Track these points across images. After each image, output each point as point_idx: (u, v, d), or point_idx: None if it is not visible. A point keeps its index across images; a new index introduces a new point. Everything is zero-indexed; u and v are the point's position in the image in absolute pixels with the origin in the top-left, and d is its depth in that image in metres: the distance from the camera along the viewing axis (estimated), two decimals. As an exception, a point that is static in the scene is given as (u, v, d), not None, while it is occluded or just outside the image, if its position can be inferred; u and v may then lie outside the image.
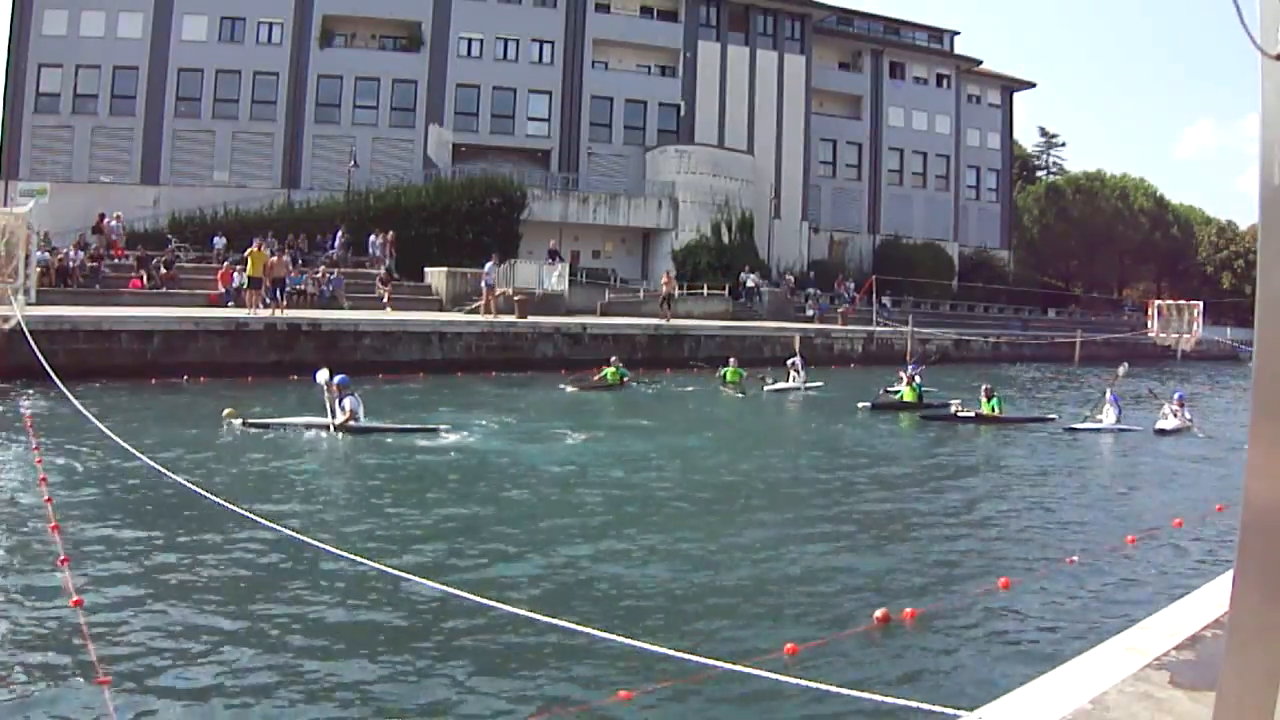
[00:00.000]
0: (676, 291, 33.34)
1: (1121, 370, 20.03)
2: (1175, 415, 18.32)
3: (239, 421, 13.51)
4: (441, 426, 14.45)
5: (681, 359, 27.30)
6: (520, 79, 40.08)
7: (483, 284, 27.59)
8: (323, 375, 13.85)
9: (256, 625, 6.22)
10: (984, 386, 19.05)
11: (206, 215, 33.21)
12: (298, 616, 6.43)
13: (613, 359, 22.25)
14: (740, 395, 21.63)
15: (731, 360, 23.51)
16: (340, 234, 32.49)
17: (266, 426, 13.52)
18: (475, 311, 28.04)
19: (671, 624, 6.61)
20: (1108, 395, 18.79)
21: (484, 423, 15.57)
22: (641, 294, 35.86)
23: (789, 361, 23.50)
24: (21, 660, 5.47)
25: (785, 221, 44.58)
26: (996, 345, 38.50)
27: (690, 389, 22.70)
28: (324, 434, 13.29)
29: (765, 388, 22.16)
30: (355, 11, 38.56)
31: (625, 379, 21.81)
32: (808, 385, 22.66)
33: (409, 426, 14.31)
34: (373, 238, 32.34)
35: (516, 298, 27.89)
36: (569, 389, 21.12)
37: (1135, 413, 19.88)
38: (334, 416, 13.49)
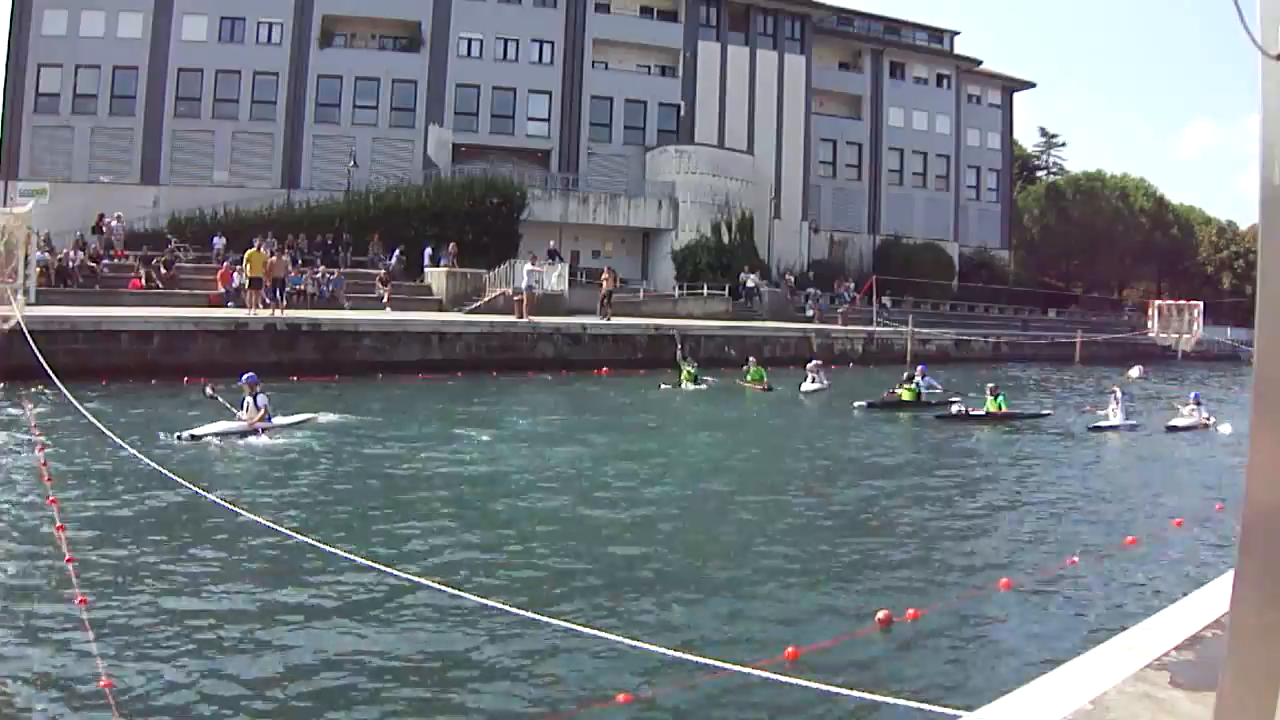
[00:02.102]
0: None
1: (1134, 373, 20.14)
2: (1192, 414, 18.77)
3: (185, 435, 12.76)
4: (321, 415, 14.69)
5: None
6: (520, 79, 40.07)
7: (522, 286, 27.29)
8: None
9: (259, 625, 6.23)
10: (989, 384, 19.46)
11: (206, 215, 33.20)
12: (299, 617, 6.44)
13: (688, 357, 23.44)
14: (769, 390, 22.30)
15: (751, 359, 23.96)
16: (399, 251, 32.12)
17: (198, 438, 12.81)
18: (478, 311, 28.06)
19: (673, 625, 6.62)
20: (1116, 395, 19.15)
21: (504, 424, 15.57)
22: (641, 294, 35.84)
23: (809, 365, 23.64)
24: (26, 659, 5.47)
25: (785, 221, 44.57)
26: (997, 345, 38.53)
27: (711, 387, 22.97)
28: (255, 437, 13.08)
29: (800, 390, 22.41)
30: (355, 11, 38.54)
31: (697, 378, 22.61)
32: (822, 387, 22.69)
33: (297, 419, 14.34)
34: (429, 250, 32.23)
35: (516, 298, 27.87)
36: (665, 387, 22.24)
37: (1148, 411, 20.27)
38: (247, 414, 13.31)
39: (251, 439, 13.05)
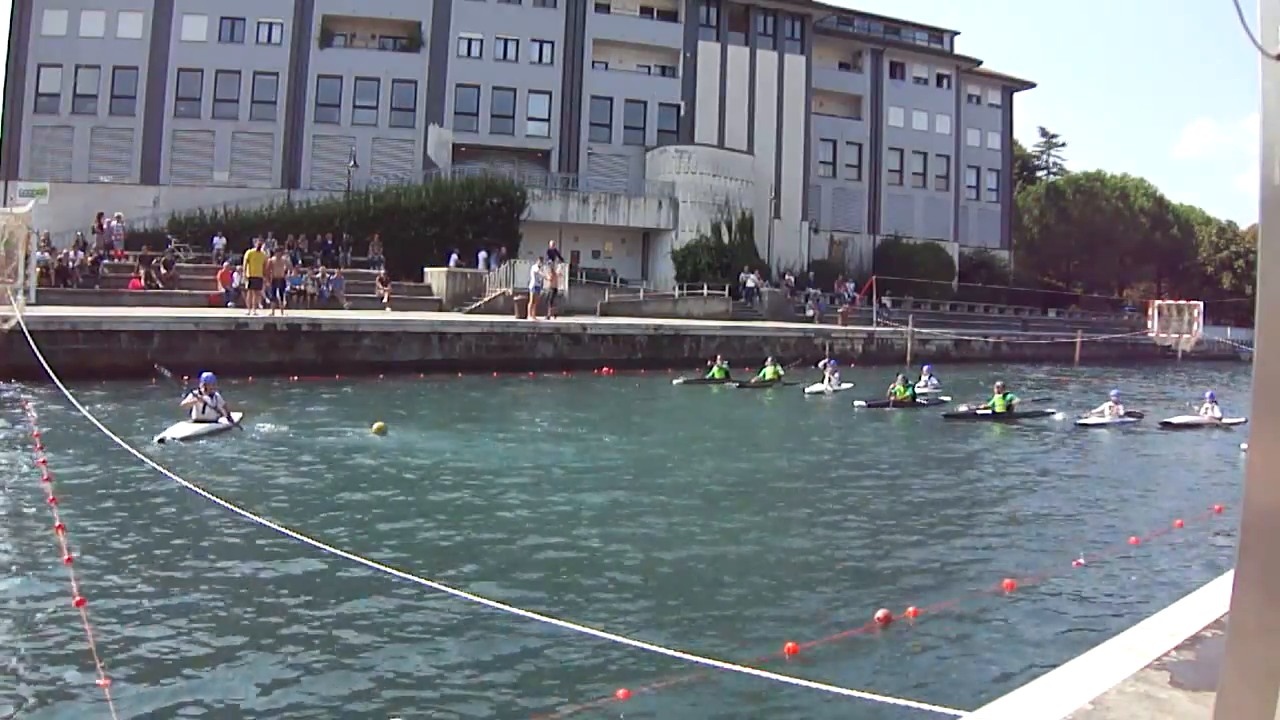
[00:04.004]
0: (562, 287, 29.25)
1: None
2: (1206, 412, 19.01)
3: (171, 439, 12.51)
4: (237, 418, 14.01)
5: (681, 359, 27.30)
6: (520, 79, 40.07)
7: (530, 287, 27.20)
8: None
9: (257, 625, 6.23)
10: (996, 383, 19.69)
11: (206, 215, 33.21)
12: (298, 616, 6.43)
13: (719, 357, 24.19)
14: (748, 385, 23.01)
15: (768, 360, 24.40)
16: (455, 254, 32.23)
17: (187, 439, 12.69)
18: (478, 311, 28.03)
19: (672, 624, 6.61)
20: (1112, 394, 19.52)
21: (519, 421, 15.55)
22: (642, 294, 35.85)
23: (822, 364, 23.89)
24: (24, 659, 5.47)
25: (785, 221, 44.58)
26: (997, 345, 38.55)
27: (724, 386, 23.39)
28: (233, 435, 13.04)
29: (805, 391, 22.47)
30: (355, 11, 38.54)
31: (729, 375, 23.60)
32: (836, 388, 22.72)
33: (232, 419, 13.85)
34: (482, 254, 32.30)
35: (518, 298, 27.87)
36: (677, 383, 23.12)
37: (1154, 410, 20.47)
38: (203, 414, 13.10)
39: (228, 436, 12.98)
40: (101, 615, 6.15)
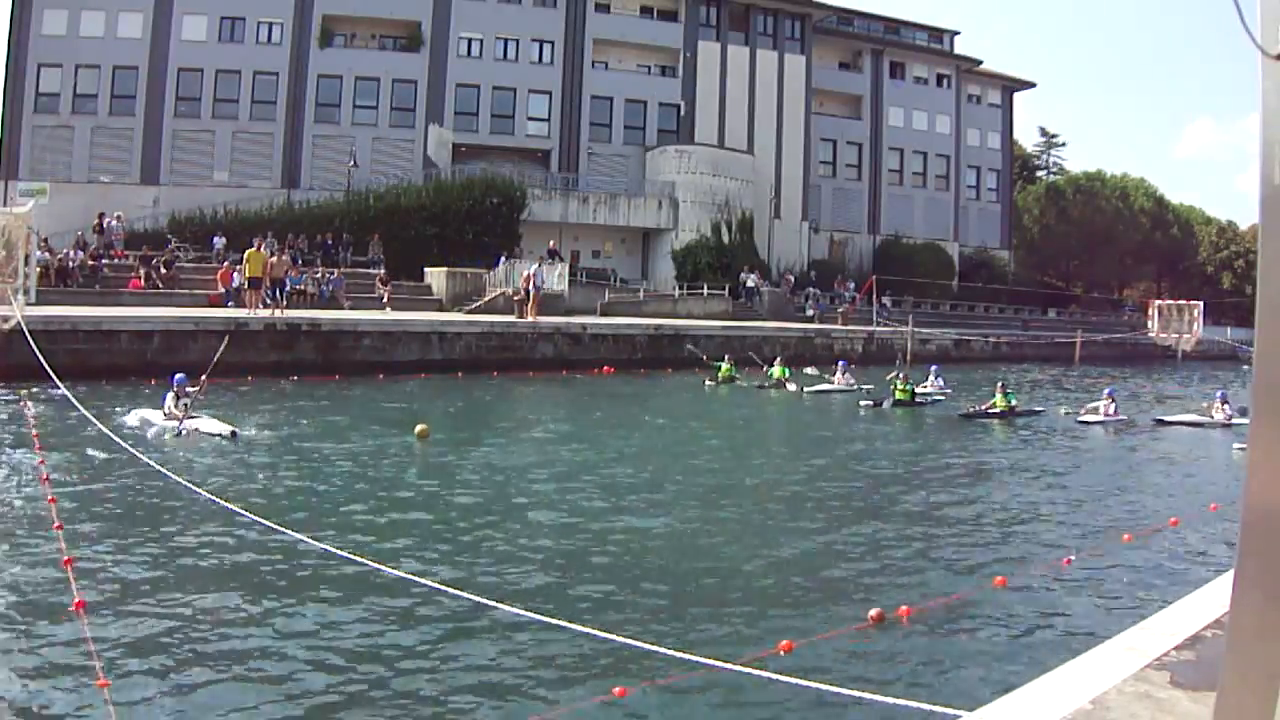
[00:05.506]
0: (549, 287, 29.13)
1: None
2: (1216, 412, 19.14)
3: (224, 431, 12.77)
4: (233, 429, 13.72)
5: (681, 359, 27.30)
6: (520, 79, 40.08)
7: (530, 287, 27.14)
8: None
9: (257, 625, 6.22)
10: (999, 382, 19.76)
11: (206, 215, 33.19)
12: (298, 617, 6.43)
13: (726, 356, 24.41)
14: (781, 390, 22.92)
15: (777, 360, 24.46)
16: (504, 257, 31.80)
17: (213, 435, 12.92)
18: (478, 311, 28.03)
19: (667, 622, 6.61)
20: (1105, 391, 19.89)
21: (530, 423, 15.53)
22: (642, 294, 35.85)
23: (838, 365, 24.11)
24: (23, 661, 5.47)
25: (785, 221, 44.58)
26: (997, 345, 38.55)
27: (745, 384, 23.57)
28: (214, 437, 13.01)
29: (805, 390, 22.48)
30: (355, 11, 38.54)
31: (735, 376, 23.89)
32: (846, 388, 22.77)
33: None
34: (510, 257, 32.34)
35: (517, 298, 27.86)
36: (710, 384, 23.29)
37: (1152, 408, 20.64)
38: (181, 414, 13.16)
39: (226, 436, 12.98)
40: (101, 616, 6.14)
